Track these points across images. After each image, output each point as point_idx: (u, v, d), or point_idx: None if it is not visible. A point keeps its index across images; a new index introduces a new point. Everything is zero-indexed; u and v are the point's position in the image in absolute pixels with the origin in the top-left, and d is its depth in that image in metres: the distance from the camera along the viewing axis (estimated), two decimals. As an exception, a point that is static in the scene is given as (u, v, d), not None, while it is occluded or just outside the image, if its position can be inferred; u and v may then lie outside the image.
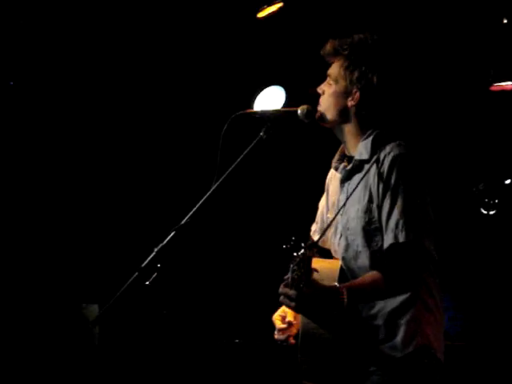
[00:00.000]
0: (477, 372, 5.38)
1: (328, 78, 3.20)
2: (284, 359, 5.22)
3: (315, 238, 3.44)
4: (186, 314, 6.01)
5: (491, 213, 5.82)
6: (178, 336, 5.93)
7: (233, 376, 5.69)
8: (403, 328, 3.00)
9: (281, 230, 5.55)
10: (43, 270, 5.73)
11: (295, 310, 2.86)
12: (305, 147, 5.94)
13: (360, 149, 3.13)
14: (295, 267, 2.68)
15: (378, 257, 3.00)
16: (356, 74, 3.11)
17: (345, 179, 3.18)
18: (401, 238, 2.93)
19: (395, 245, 2.94)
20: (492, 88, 5.62)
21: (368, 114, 3.14)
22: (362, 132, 3.15)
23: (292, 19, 5.69)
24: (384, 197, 2.99)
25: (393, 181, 2.98)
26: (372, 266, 3.00)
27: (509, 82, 5.56)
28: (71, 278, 5.78)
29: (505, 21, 5.38)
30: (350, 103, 3.14)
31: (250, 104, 5.30)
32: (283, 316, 3.21)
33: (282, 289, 2.80)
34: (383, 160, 3.03)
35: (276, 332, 3.23)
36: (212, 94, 6.10)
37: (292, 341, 3.18)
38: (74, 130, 5.97)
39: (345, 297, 2.84)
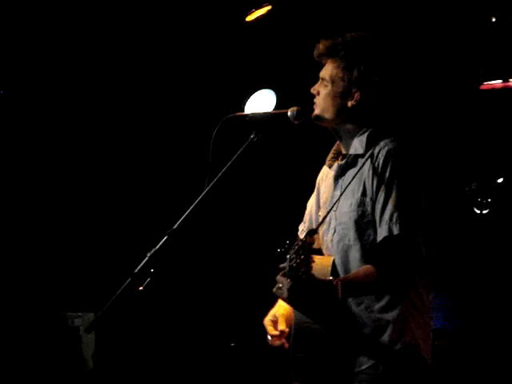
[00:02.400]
0: (464, 371, 5.39)
1: (321, 79, 3.18)
2: (278, 362, 5.21)
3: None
4: (181, 319, 6.00)
5: (484, 212, 5.82)
6: (174, 340, 5.92)
7: (229, 380, 5.69)
8: (391, 326, 2.99)
9: (274, 233, 5.56)
10: (33, 278, 5.71)
11: (288, 300, 2.86)
12: (295, 149, 5.94)
13: (355, 144, 3.13)
14: (293, 255, 2.68)
15: (370, 250, 3.00)
16: (355, 74, 3.09)
17: (339, 175, 3.18)
18: (395, 231, 2.93)
19: (389, 237, 2.94)
20: (482, 87, 5.64)
21: (367, 113, 3.13)
22: (358, 130, 3.15)
23: (281, 22, 5.70)
24: (378, 190, 2.99)
25: (387, 174, 2.98)
26: (363, 260, 3.00)
27: (498, 81, 5.57)
28: (62, 286, 5.76)
29: (493, 19, 5.40)
30: (349, 103, 3.12)
31: (241, 107, 5.31)
32: (274, 321, 3.17)
33: (278, 277, 2.80)
34: (378, 154, 3.03)
35: (269, 337, 3.20)
36: (202, 97, 6.10)
37: (286, 345, 3.14)
38: (70, 132, 5.97)
39: (339, 290, 2.84)
